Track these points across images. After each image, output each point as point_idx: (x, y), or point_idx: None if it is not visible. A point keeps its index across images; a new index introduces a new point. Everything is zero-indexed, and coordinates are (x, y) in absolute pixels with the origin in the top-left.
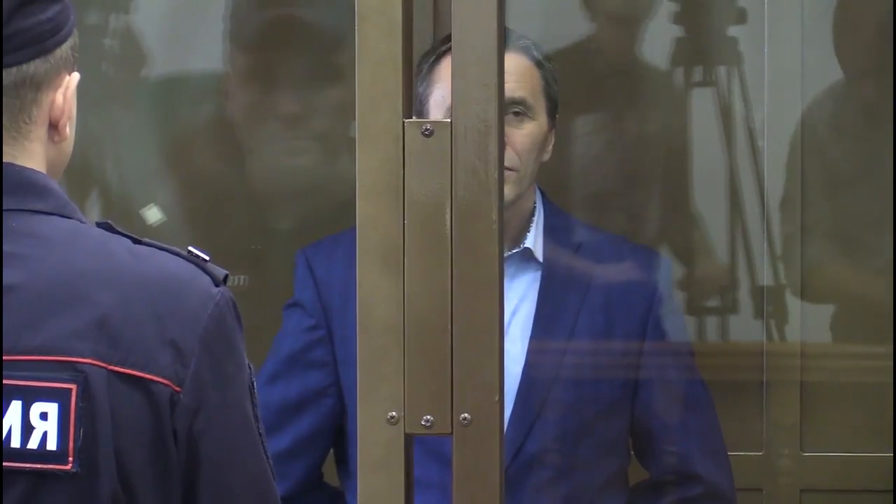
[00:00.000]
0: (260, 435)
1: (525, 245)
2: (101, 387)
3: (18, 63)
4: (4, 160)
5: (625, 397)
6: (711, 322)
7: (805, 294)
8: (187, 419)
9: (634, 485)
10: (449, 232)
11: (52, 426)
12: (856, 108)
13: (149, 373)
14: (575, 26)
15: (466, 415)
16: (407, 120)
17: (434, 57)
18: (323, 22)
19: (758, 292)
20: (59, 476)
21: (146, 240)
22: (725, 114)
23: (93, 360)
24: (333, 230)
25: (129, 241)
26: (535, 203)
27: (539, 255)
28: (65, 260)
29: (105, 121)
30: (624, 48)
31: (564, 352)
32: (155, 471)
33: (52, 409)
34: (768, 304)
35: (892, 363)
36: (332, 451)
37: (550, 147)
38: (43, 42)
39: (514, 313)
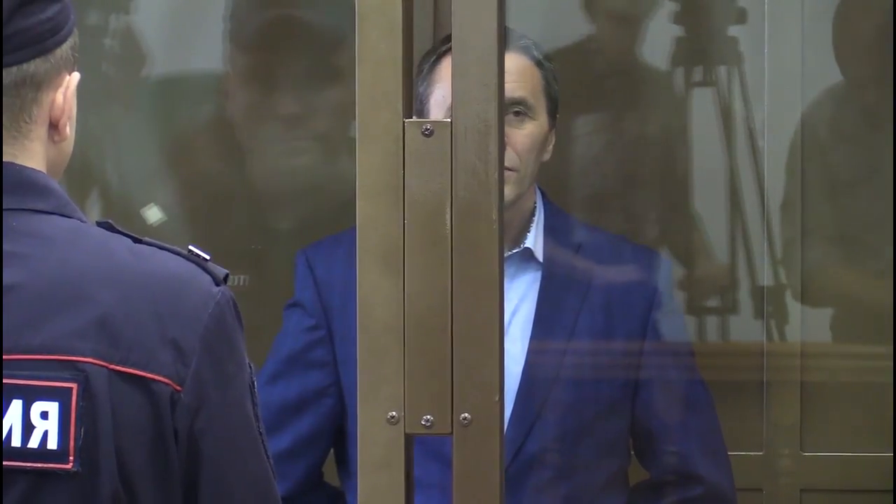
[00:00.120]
0: (260, 434)
1: (525, 245)
2: (101, 386)
3: (19, 63)
4: (5, 159)
5: (625, 397)
6: (712, 322)
7: (805, 294)
8: (188, 418)
9: (635, 485)
10: (449, 232)
11: (52, 425)
12: (856, 109)
13: (149, 372)
14: (575, 26)
15: (466, 415)
16: (407, 120)
17: (434, 57)
18: (323, 22)
19: (758, 292)
20: (59, 475)
21: (147, 239)
22: (725, 114)
23: (93, 359)
24: (334, 230)
25: (129, 241)
26: (535, 203)
27: (539, 255)
28: (65, 259)
29: (105, 121)
30: (624, 48)
31: (564, 352)
32: (155, 470)
33: (52, 408)
34: (768, 304)
35: (892, 363)
36: (332, 451)
37: (551, 147)
38: (43, 42)
39: (514, 313)
